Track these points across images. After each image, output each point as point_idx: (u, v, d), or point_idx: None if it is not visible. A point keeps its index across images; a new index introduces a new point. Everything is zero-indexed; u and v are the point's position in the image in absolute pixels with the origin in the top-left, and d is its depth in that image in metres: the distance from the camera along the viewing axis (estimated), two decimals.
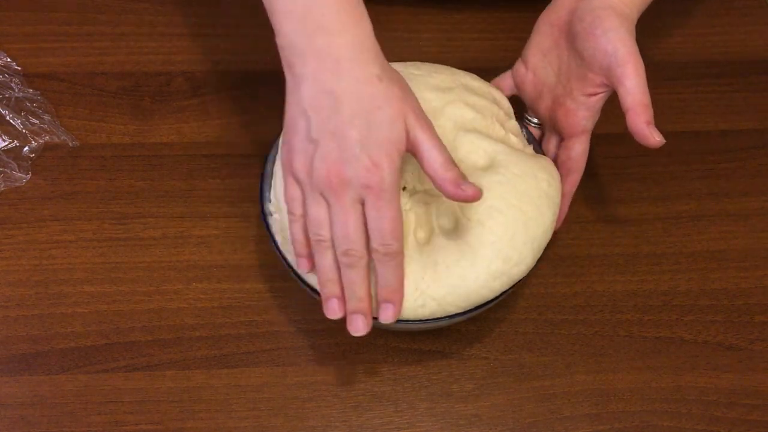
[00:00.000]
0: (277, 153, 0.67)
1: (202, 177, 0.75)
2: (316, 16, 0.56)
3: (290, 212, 0.60)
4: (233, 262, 0.71)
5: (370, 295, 0.59)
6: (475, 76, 0.70)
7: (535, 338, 0.68)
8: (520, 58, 0.71)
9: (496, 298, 0.61)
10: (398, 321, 0.61)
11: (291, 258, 0.63)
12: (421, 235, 0.62)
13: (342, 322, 0.67)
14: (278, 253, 0.63)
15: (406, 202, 0.63)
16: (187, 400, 0.65)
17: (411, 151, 0.58)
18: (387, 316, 0.59)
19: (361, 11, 0.57)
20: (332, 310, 0.60)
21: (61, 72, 0.80)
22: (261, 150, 0.74)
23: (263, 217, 0.64)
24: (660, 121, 0.63)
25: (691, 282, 0.71)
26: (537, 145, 0.69)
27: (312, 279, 0.62)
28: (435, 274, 0.60)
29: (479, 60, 0.82)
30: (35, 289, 0.69)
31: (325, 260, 0.59)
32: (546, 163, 0.65)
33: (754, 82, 0.83)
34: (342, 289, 0.59)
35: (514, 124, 0.69)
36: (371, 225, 0.57)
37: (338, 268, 0.59)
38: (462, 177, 0.57)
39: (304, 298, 0.68)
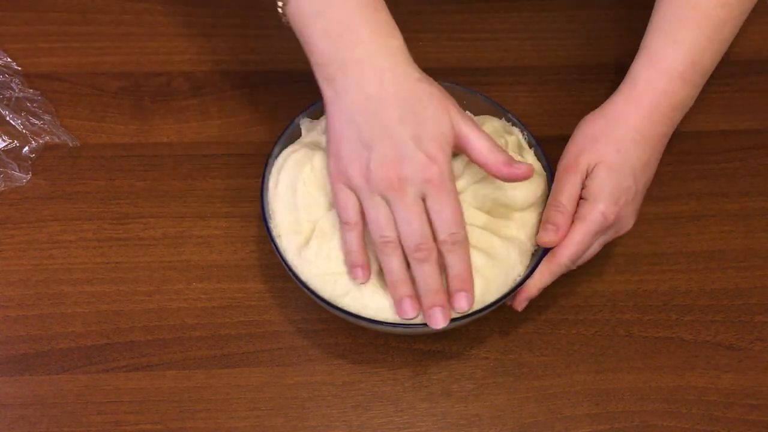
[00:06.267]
0: (278, 152, 0.67)
1: (202, 177, 0.75)
2: (353, 32, 0.59)
3: (345, 222, 0.60)
4: (233, 262, 0.71)
5: (443, 286, 0.60)
6: (489, 118, 0.70)
7: (535, 338, 0.68)
8: None
9: (486, 308, 0.61)
10: (398, 323, 0.61)
11: (290, 258, 0.63)
12: None
13: (342, 321, 0.67)
14: (278, 254, 0.63)
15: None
16: (187, 400, 0.65)
17: (457, 144, 0.60)
18: (462, 305, 0.59)
19: (393, 25, 0.61)
20: (407, 310, 0.60)
21: (61, 72, 0.80)
22: (261, 150, 0.74)
23: (263, 215, 0.64)
24: None
25: (691, 282, 0.71)
26: (539, 149, 0.68)
27: (312, 280, 0.62)
28: None
29: (479, 60, 0.82)
30: (35, 289, 0.69)
31: (394, 261, 0.59)
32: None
33: (754, 82, 0.83)
34: (411, 288, 0.60)
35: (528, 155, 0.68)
36: (435, 217, 0.58)
37: (406, 268, 0.60)
38: (511, 158, 0.60)
39: (304, 298, 0.68)
